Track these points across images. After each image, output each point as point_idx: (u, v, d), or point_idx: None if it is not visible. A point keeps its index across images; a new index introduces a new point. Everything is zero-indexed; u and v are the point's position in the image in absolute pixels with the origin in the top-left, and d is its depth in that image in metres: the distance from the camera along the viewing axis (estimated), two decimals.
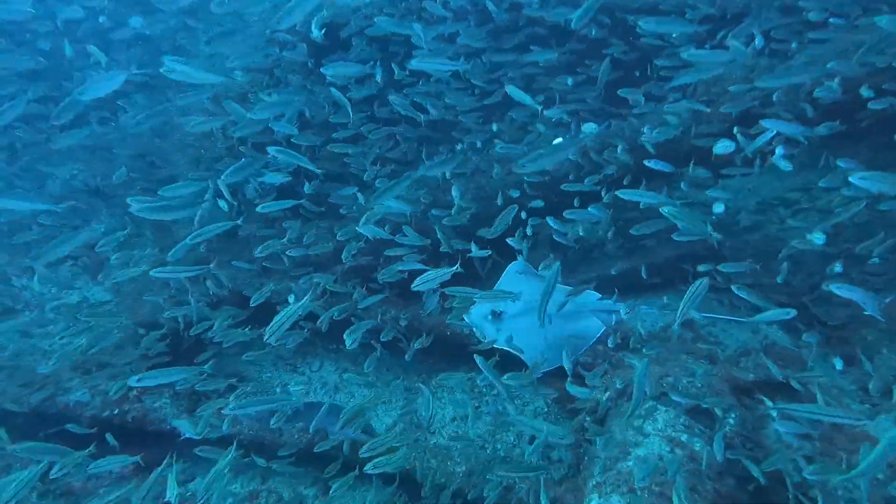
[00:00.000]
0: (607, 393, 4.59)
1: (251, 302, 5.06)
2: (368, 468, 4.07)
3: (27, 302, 6.37)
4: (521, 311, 5.18)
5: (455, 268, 4.43)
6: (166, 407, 5.10)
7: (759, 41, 5.09)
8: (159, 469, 4.06)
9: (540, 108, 5.06)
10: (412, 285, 4.39)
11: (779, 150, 4.79)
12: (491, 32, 6.41)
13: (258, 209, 5.14)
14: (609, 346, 4.95)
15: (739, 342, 4.89)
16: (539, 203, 5.52)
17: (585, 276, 5.59)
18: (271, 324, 3.94)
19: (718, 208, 5.05)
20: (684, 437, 3.96)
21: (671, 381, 4.40)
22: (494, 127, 6.01)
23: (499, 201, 5.54)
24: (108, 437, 4.62)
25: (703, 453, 3.79)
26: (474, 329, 5.18)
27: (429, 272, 4.38)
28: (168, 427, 5.04)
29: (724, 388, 4.38)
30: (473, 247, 5.23)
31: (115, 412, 5.05)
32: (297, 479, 4.84)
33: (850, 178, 3.87)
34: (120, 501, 3.93)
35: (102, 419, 5.01)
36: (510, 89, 4.98)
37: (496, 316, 5.17)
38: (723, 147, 4.92)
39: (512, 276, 5.60)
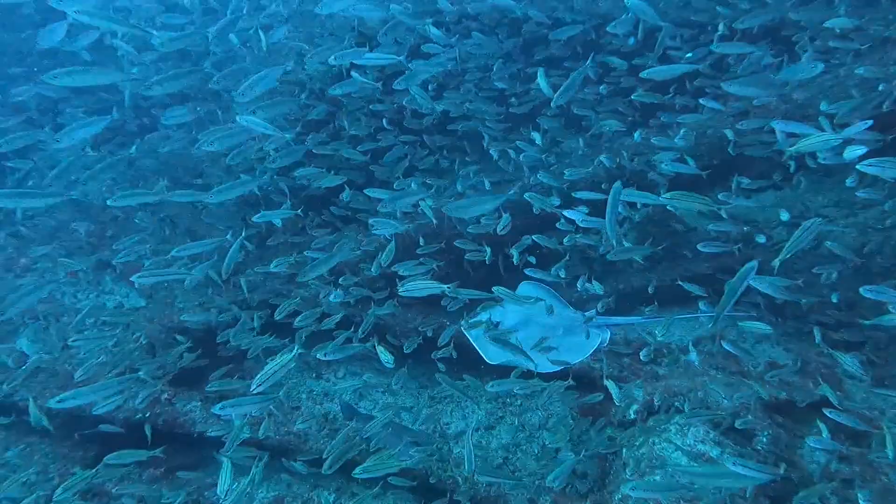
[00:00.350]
0: (635, 406, 4.53)
1: (275, 315, 5.11)
2: (357, 472, 3.97)
3: (69, 308, 6.54)
4: (518, 322, 5.19)
5: (447, 287, 4.46)
6: (196, 411, 5.19)
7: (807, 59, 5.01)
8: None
9: (553, 94, 5.05)
10: (399, 290, 4.43)
11: (857, 151, 4.27)
12: (519, 45, 6.44)
13: (253, 219, 5.21)
14: (642, 359, 4.89)
15: (770, 358, 4.78)
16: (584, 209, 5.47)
17: (613, 288, 5.53)
18: (261, 373, 3.82)
19: (784, 216, 4.99)
20: (714, 453, 3.89)
21: (700, 396, 4.32)
22: (537, 139, 6.02)
23: (534, 209, 5.50)
24: (147, 428, 4.84)
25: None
26: (474, 343, 5.08)
27: (420, 282, 4.43)
28: (197, 431, 5.12)
29: (756, 405, 4.28)
30: (515, 254, 5.26)
31: (147, 415, 5.15)
32: (322, 485, 4.86)
33: (856, 166, 3.84)
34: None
35: (134, 422, 5.12)
36: (539, 72, 5.06)
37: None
38: (852, 152, 4.33)
39: (524, 292, 5.57)
